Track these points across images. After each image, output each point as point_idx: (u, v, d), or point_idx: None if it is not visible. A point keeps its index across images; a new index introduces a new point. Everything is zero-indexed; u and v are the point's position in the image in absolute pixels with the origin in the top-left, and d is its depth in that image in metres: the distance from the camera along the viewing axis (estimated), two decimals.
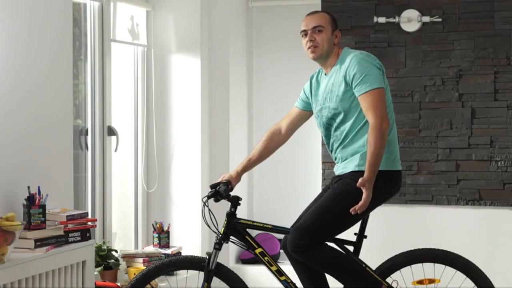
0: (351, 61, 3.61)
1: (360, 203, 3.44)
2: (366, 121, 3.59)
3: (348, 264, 3.61)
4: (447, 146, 5.13)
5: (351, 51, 3.71)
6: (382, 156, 3.50)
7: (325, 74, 3.76)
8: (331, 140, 3.73)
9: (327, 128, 3.73)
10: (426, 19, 5.14)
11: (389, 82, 5.15)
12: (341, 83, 3.62)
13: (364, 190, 3.44)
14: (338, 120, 3.66)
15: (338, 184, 3.65)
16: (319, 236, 3.56)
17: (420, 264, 3.80)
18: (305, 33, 3.71)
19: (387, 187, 3.64)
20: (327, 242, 3.63)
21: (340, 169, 3.70)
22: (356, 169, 3.59)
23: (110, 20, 4.97)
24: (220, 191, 3.66)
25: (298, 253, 3.56)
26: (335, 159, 3.75)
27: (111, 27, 4.98)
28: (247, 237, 3.70)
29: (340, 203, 3.56)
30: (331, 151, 3.78)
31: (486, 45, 5.07)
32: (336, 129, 3.69)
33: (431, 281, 3.74)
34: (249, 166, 3.86)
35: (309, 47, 3.68)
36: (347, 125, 3.65)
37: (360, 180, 3.44)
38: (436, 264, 3.80)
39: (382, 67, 3.66)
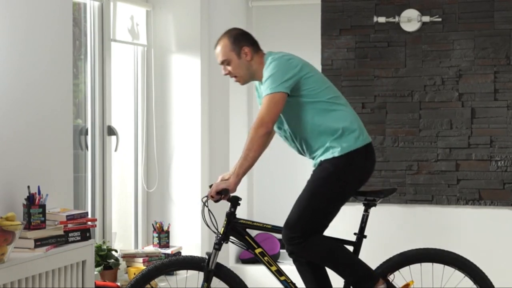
0: (264, 71, 3.61)
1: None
2: (316, 112, 3.60)
3: (343, 257, 3.63)
4: (447, 146, 5.13)
5: (268, 57, 3.66)
6: (250, 161, 3.54)
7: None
8: (293, 143, 3.75)
9: (282, 134, 3.78)
10: (426, 19, 5.14)
11: (389, 82, 5.20)
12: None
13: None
14: (285, 126, 3.70)
15: (313, 173, 3.67)
16: (310, 226, 3.59)
17: (419, 264, 3.81)
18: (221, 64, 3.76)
19: (352, 169, 3.63)
20: (323, 234, 3.66)
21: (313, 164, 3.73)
22: (330, 156, 3.59)
23: (110, 20, 4.97)
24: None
25: (294, 246, 3.58)
26: (306, 154, 3.77)
27: (111, 27, 4.98)
28: (246, 237, 3.70)
29: (321, 188, 3.59)
30: (301, 152, 3.79)
31: (486, 45, 5.07)
32: (288, 133, 3.71)
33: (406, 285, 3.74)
34: None
35: (232, 78, 3.75)
36: (298, 126, 3.66)
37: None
38: (435, 264, 3.80)
39: (297, 61, 3.62)
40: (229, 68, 3.72)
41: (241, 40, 3.73)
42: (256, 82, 3.85)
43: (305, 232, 3.56)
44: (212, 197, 3.59)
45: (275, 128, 3.74)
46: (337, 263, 3.64)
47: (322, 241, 3.61)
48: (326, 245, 3.61)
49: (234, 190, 3.58)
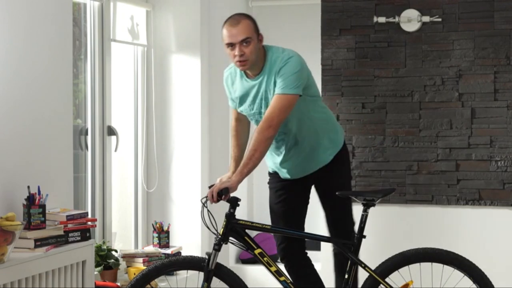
0: (281, 69, 3.61)
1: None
2: (312, 114, 3.75)
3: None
4: (447, 146, 5.13)
5: (277, 56, 3.67)
6: (255, 161, 3.56)
7: (248, 77, 3.75)
8: (275, 140, 3.78)
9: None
10: (426, 19, 5.13)
11: (389, 82, 5.20)
12: (273, 90, 3.64)
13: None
14: (288, 126, 3.76)
15: (338, 173, 3.89)
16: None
17: (418, 264, 3.81)
18: (231, 45, 3.63)
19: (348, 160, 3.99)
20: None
21: (309, 168, 3.84)
22: (333, 155, 3.84)
23: (110, 20, 4.98)
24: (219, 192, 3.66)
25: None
26: (285, 160, 3.84)
27: (111, 27, 4.98)
28: (246, 237, 3.71)
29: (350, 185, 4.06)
30: (279, 153, 3.85)
31: (486, 45, 5.06)
32: (280, 134, 3.74)
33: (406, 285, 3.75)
34: (237, 164, 3.89)
35: (238, 61, 3.64)
36: (292, 126, 3.74)
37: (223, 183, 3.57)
38: (435, 264, 3.81)
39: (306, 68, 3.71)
40: (246, 49, 3.61)
41: (258, 27, 3.72)
42: (230, 78, 3.85)
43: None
44: (212, 197, 3.57)
45: (255, 113, 3.80)
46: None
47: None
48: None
49: (236, 188, 3.58)
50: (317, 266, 4.09)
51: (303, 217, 4.00)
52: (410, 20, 5.15)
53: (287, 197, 3.94)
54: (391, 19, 5.18)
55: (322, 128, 3.85)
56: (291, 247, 3.93)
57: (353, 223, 3.93)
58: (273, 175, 4.01)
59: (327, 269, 4.15)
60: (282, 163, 3.88)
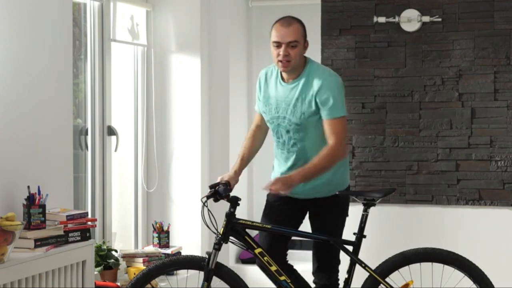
0: (323, 85, 3.66)
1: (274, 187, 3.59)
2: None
3: None
4: (447, 146, 5.13)
5: (318, 68, 3.75)
6: (317, 175, 3.64)
7: (283, 81, 3.79)
8: (287, 149, 3.80)
9: (282, 136, 3.80)
10: (426, 19, 5.13)
11: (389, 82, 5.20)
12: (311, 104, 3.67)
13: (280, 184, 3.57)
14: (297, 136, 3.75)
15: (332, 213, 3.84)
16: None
17: (419, 264, 3.81)
18: (278, 44, 3.70)
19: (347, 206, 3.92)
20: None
21: (307, 191, 3.79)
22: (333, 192, 3.81)
23: (110, 20, 4.98)
24: (220, 191, 3.66)
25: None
26: (285, 171, 3.83)
27: (111, 27, 4.98)
28: (246, 237, 3.71)
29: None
30: (282, 158, 3.85)
31: (486, 45, 5.06)
32: (293, 145, 3.77)
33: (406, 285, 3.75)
34: (243, 165, 3.89)
35: (281, 61, 3.69)
36: (308, 143, 3.74)
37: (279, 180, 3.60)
38: (435, 264, 3.81)
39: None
40: (292, 51, 3.67)
41: (306, 34, 3.78)
42: (265, 77, 3.89)
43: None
44: (277, 193, 3.60)
45: (278, 117, 3.79)
46: None
47: None
48: None
49: (296, 180, 3.63)
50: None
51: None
52: (410, 20, 5.15)
53: (283, 208, 3.88)
54: (391, 19, 5.18)
55: None
56: (275, 248, 3.88)
57: (338, 262, 3.88)
58: None
59: None
60: (285, 173, 3.84)
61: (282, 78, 3.80)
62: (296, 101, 3.71)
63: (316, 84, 3.67)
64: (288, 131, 3.75)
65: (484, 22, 5.06)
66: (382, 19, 5.19)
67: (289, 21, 3.74)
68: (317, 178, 3.70)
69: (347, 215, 3.89)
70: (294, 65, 3.70)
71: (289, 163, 3.81)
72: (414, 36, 5.18)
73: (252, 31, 5.97)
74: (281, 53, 3.67)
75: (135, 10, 5.35)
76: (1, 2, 3.60)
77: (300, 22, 3.77)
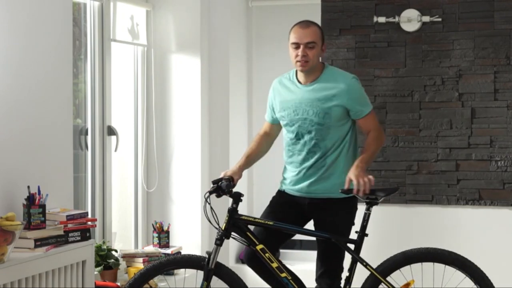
0: (347, 89, 3.76)
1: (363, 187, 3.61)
2: (346, 142, 3.81)
3: None
4: (447, 146, 5.13)
5: (338, 71, 3.88)
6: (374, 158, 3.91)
7: (300, 83, 3.85)
8: (307, 150, 3.81)
9: (303, 137, 3.82)
10: (426, 18, 5.14)
11: (389, 82, 5.20)
12: (335, 105, 3.74)
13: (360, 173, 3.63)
14: (319, 136, 3.78)
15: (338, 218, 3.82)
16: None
17: (420, 264, 3.81)
18: (296, 45, 3.79)
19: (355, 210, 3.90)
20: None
21: (319, 191, 3.80)
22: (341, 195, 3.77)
23: (110, 20, 4.98)
24: (222, 186, 3.67)
25: None
26: (300, 171, 3.83)
27: (111, 27, 4.98)
28: (248, 233, 3.72)
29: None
30: (298, 160, 3.85)
31: (486, 45, 5.06)
32: (315, 145, 3.79)
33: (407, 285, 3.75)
34: (248, 163, 3.91)
35: (299, 61, 3.78)
36: (329, 142, 3.79)
37: (356, 169, 3.64)
38: (436, 264, 3.81)
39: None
40: (310, 52, 3.76)
41: (324, 37, 3.90)
42: (279, 83, 3.97)
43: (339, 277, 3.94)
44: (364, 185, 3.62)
45: (299, 119, 3.82)
46: None
47: None
48: None
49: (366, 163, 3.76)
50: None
51: (288, 236, 3.94)
52: (410, 20, 5.15)
53: (289, 211, 3.89)
54: (391, 19, 5.19)
55: (346, 160, 3.81)
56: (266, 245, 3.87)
57: (341, 269, 3.85)
58: (281, 193, 3.99)
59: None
60: (303, 174, 3.84)
61: (299, 82, 3.86)
62: (318, 102, 3.76)
63: (339, 87, 3.77)
64: (309, 132, 3.78)
65: (484, 22, 5.06)
66: (382, 19, 5.20)
67: (307, 23, 3.84)
68: (330, 179, 3.79)
69: (353, 223, 3.85)
70: (312, 66, 3.79)
71: (307, 163, 3.81)
72: (414, 36, 5.18)
73: (252, 31, 5.97)
74: (299, 53, 3.77)
75: (135, 10, 5.35)
76: (1, 2, 3.60)
77: (317, 25, 3.87)
